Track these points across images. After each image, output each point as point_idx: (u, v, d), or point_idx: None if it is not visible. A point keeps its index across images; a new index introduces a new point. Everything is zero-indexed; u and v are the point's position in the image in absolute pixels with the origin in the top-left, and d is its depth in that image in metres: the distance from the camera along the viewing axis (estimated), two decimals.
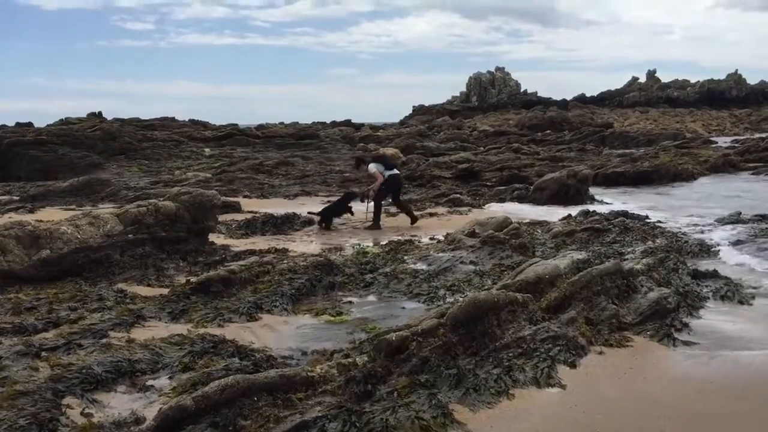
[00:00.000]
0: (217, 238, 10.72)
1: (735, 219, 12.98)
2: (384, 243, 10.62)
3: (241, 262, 8.23)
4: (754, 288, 7.91)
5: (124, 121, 39.03)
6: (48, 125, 34.68)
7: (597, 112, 72.47)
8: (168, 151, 30.47)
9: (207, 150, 32.17)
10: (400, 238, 11.23)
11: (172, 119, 44.52)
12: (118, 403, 4.72)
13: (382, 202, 13.31)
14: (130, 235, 8.90)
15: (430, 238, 11.17)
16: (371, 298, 7.67)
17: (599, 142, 37.52)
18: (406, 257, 9.46)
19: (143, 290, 7.78)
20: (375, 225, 12.82)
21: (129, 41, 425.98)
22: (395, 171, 13.48)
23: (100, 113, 40.48)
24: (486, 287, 7.42)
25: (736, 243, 10.67)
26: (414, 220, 13.20)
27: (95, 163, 25.20)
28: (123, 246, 8.79)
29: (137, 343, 5.76)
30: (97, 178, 19.44)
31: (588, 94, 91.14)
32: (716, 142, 38.82)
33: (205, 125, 42.68)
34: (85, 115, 39.76)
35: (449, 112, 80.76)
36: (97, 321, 6.33)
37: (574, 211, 14.10)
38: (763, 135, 40.70)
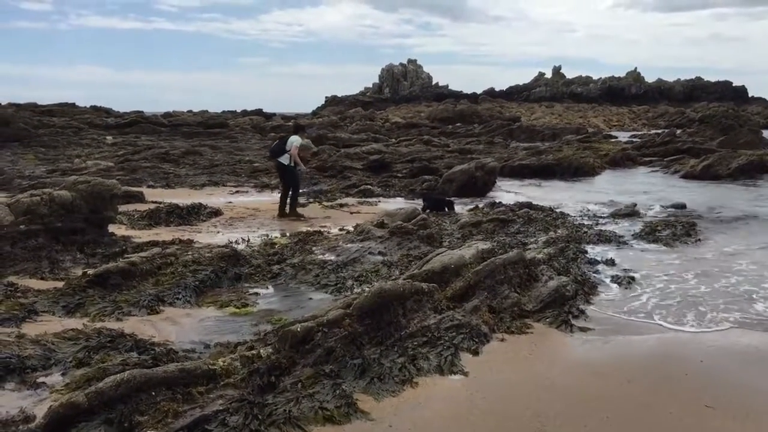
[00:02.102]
0: (117, 229, 10.31)
1: (631, 210, 13.62)
2: (293, 234, 10.51)
3: (143, 254, 7.94)
4: (645, 273, 8.32)
5: (19, 106, 37.04)
6: None
7: (506, 106, 74.46)
8: (67, 138, 29.16)
9: (109, 138, 30.96)
10: (309, 228, 11.15)
11: (72, 105, 42.65)
12: (7, 401, 4.47)
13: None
14: (22, 226, 8.43)
15: (340, 229, 11.15)
16: (278, 289, 7.58)
17: (507, 135, 38.55)
18: (314, 248, 9.41)
19: (36, 283, 7.39)
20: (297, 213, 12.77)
21: (25, 23, 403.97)
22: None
23: None
24: (393, 277, 7.48)
25: (632, 232, 11.19)
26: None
27: None
28: (14, 237, 8.31)
29: (28, 339, 5.48)
30: None
31: (497, 89, 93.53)
32: (616, 137, 40.59)
33: (108, 112, 41.16)
34: None
35: (362, 103, 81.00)
36: None
37: (481, 202, 14.42)
38: (659, 131, 42.85)
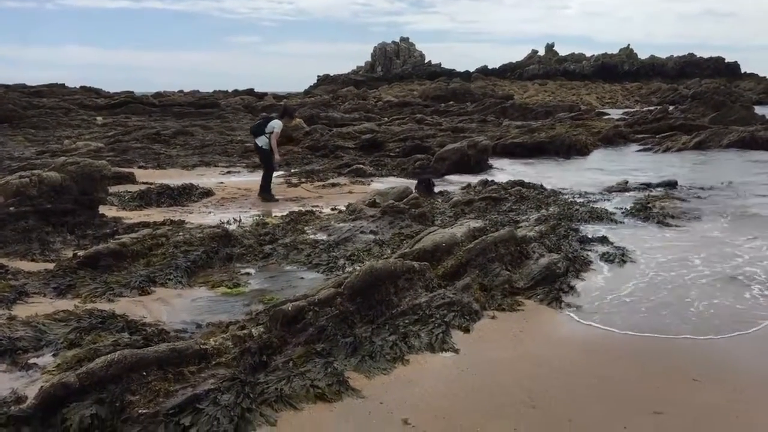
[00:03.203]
0: (108, 211, 10.28)
1: (622, 188, 13.66)
2: (284, 214, 10.50)
3: (133, 235, 7.92)
4: (636, 251, 8.36)
5: (8, 87, 36.71)
6: None
7: (498, 84, 74.29)
8: (57, 119, 28.93)
9: (99, 119, 30.74)
10: (300, 208, 11.14)
11: (62, 86, 42.29)
12: None
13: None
14: (11, 208, 8.39)
15: (332, 209, 11.14)
16: (270, 269, 7.58)
17: (500, 113, 38.40)
18: (306, 228, 9.41)
19: (27, 265, 7.36)
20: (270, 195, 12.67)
21: (11, 2, 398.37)
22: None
23: None
24: (385, 256, 7.49)
25: (623, 210, 11.22)
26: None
27: None
28: (4, 219, 8.28)
29: (19, 320, 5.47)
30: None
31: (490, 66, 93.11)
32: (609, 114, 40.55)
33: (98, 92, 40.81)
34: None
35: (354, 82, 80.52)
36: None
37: (474, 180, 14.41)
38: (651, 108, 42.83)
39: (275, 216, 10.44)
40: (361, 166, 17.29)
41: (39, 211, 8.65)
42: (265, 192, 12.62)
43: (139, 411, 3.91)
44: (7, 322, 5.43)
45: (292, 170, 16.83)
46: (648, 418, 4.20)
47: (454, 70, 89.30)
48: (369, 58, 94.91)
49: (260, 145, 12.72)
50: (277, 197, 12.62)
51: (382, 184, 14.63)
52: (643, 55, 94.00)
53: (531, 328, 5.80)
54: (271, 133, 12.58)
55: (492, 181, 14.14)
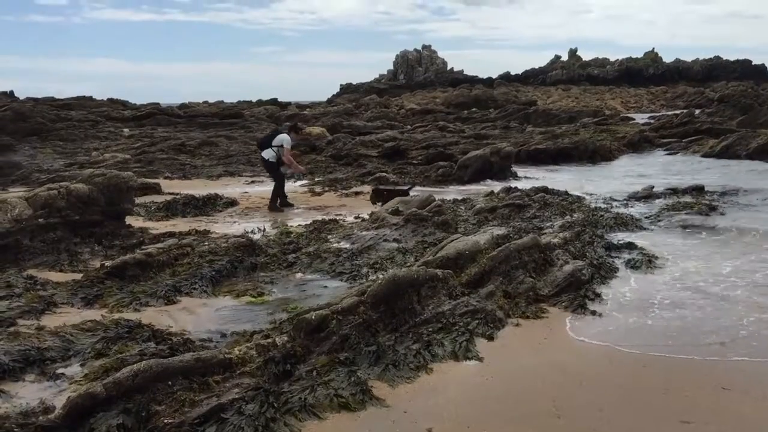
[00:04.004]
0: (135, 221, 10.41)
1: (648, 193, 13.50)
2: (308, 223, 10.54)
3: (159, 245, 8.01)
4: (663, 258, 8.25)
5: (37, 100, 37.37)
6: None
7: (521, 90, 73.80)
8: (85, 131, 29.36)
9: (126, 130, 31.14)
10: (324, 217, 11.18)
11: (90, 98, 42.94)
12: (27, 392, 4.55)
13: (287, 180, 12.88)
14: (40, 220, 8.53)
15: (355, 217, 11.16)
16: (293, 277, 7.61)
17: (523, 119, 38.21)
18: (329, 236, 9.43)
19: (55, 276, 7.49)
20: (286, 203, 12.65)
21: (39, 16, 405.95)
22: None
23: (11, 92, 38.61)
24: (408, 264, 7.48)
25: (649, 216, 11.09)
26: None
27: (5, 144, 23.92)
28: (33, 231, 8.42)
29: (47, 331, 5.55)
30: (6, 160, 18.55)
31: (513, 72, 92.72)
32: (634, 119, 40.15)
33: (124, 104, 41.35)
34: None
35: (377, 90, 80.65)
36: (5, 309, 6.07)
37: (497, 187, 14.36)
38: (677, 111, 42.35)
39: (298, 225, 10.49)
40: (384, 174, 17.31)
41: (67, 222, 8.78)
42: (276, 203, 12.51)
43: (165, 421, 3.94)
44: (36, 332, 5.51)
45: (316, 179, 16.91)
46: (676, 427, 4.14)
47: (476, 77, 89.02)
48: (391, 67, 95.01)
49: (266, 158, 12.69)
50: (291, 203, 12.67)
51: None
52: (668, 58, 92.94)
53: (556, 336, 5.75)
54: (279, 146, 12.47)
55: (515, 187, 14.07)
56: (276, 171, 12.71)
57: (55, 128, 28.28)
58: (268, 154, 12.65)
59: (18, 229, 8.28)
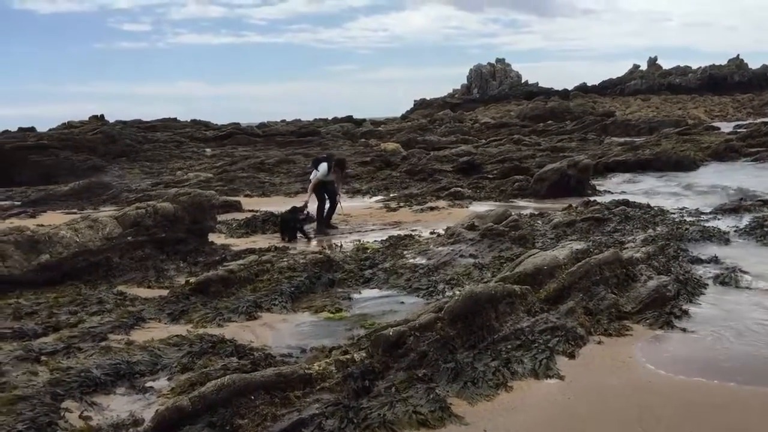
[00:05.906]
0: (217, 238, 10.73)
1: (737, 205, 12.93)
2: (384, 238, 10.59)
3: (240, 262, 8.24)
4: (758, 274, 7.87)
5: (126, 123, 39.06)
6: (50, 129, 34.76)
7: (598, 101, 72.27)
8: (169, 152, 30.53)
9: (208, 150, 32.22)
10: (400, 233, 11.22)
11: (174, 120, 44.55)
12: (117, 405, 4.74)
13: (326, 206, 12.39)
14: (129, 238, 8.92)
15: (431, 232, 11.15)
16: (371, 293, 7.66)
17: (601, 131, 37.41)
18: (405, 252, 9.45)
19: (143, 292, 7.80)
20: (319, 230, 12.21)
21: (126, 43, 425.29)
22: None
23: (102, 116, 40.38)
24: (485, 280, 7.41)
25: (738, 229, 10.62)
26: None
27: (97, 166, 25.22)
28: (122, 248, 8.81)
29: (136, 345, 5.78)
30: (98, 181, 19.47)
31: (589, 83, 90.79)
32: (719, 128, 38.62)
33: (206, 125, 42.68)
34: (87, 118, 39.70)
35: (450, 105, 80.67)
36: (97, 324, 6.35)
37: (575, 201, 14.07)
38: (766, 119, 40.47)
39: (374, 240, 10.56)
40: (459, 189, 17.25)
41: (154, 240, 9.15)
42: (322, 226, 12.23)
43: None
44: (126, 346, 5.75)
45: (391, 194, 17.00)
46: None
47: (551, 88, 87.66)
48: (465, 81, 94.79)
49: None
50: (332, 230, 12.27)
51: (480, 206, 14.53)
52: (753, 64, 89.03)
53: (641, 353, 5.56)
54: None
55: (594, 200, 13.76)
56: (323, 192, 12.35)
57: (143, 149, 29.52)
58: (313, 175, 12.36)
59: (108, 247, 8.68)
